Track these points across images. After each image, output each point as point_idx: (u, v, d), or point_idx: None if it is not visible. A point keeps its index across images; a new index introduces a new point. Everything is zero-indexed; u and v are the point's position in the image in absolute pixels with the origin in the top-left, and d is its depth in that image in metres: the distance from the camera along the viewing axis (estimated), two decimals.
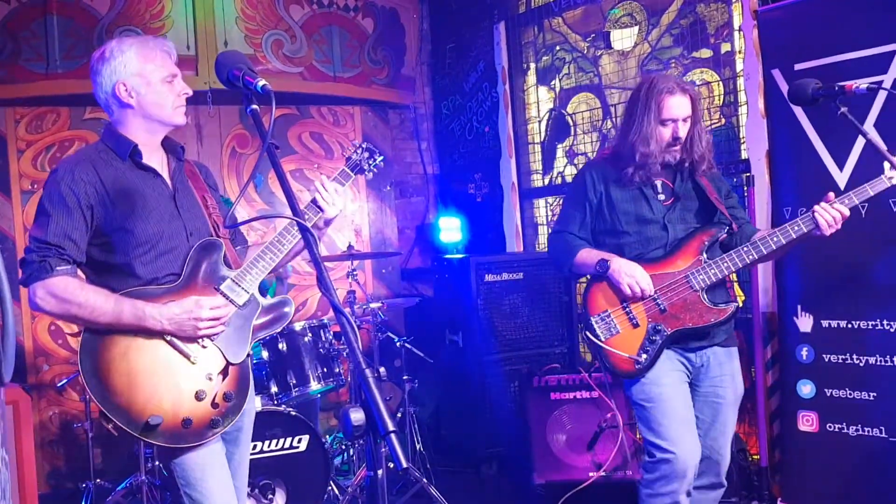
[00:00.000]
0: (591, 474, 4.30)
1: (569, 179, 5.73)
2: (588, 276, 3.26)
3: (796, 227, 2.96)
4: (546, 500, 4.33)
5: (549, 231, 3.27)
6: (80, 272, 2.46)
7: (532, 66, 5.97)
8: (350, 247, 4.87)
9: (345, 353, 4.57)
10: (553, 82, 5.85)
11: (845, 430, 3.77)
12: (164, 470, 2.54)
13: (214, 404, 2.44)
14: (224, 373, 2.48)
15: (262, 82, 1.98)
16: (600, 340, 3.08)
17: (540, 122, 5.95)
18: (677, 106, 3.04)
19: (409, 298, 5.51)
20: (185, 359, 2.43)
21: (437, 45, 6.59)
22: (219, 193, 2.85)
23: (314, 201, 2.59)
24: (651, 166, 3.08)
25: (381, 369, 4.54)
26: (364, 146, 2.88)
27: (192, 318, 2.38)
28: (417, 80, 6.54)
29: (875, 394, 3.69)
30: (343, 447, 5.01)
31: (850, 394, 3.75)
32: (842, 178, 3.76)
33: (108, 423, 2.40)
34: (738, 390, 3.18)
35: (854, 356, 3.75)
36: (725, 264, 3.03)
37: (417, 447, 4.92)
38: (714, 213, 3.18)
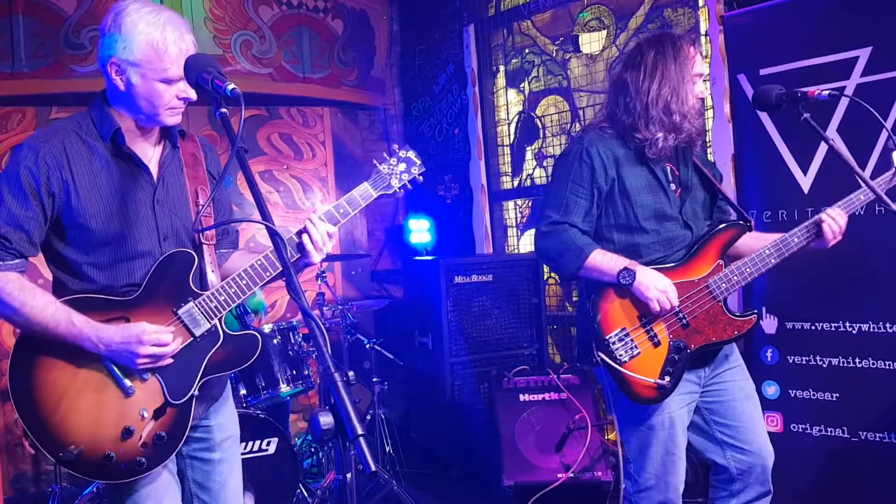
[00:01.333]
0: (559, 475, 4.32)
1: (539, 182, 5.77)
2: (575, 282, 2.83)
3: (815, 229, 2.72)
4: (515, 501, 4.34)
5: (542, 220, 2.77)
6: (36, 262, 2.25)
7: (501, 68, 6.00)
8: None
9: (314, 356, 4.55)
10: (522, 85, 5.88)
11: (809, 431, 3.83)
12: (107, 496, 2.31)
13: (143, 444, 2.17)
14: (160, 412, 2.19)
15: (231, 86, 1.90)
16: (619, 364, 2.62)
17: (509, 124, 5.97)
18: (700, 61, 2.73)
19: (379, 300, 5.51)
20: (120, 390, 2.17)
21: (406, 46, 6.59)
22: (222, 184, 2.51)
23: (299, 242, 2.25)
24: (686, 131, 2.67)
25: (350, 373, 4.50)
26: (403, 155, 2.44)
27: (130, 350, 2.12)
28: (387, 82, 6.54)
29: (838, 394, 3.76)
30: (313, 450, 5.00)
31: (814, 394, 3.81)
32: (805, 182, 3.82)
33: (27, 439, 2.21)
34: (750, 382, 2.85)
35: (818, 358, 3.81)
36: (748, 269, 2.69)
37: (387, 449, 4.92)
38: (714, 205, 2.88)
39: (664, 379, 2.62)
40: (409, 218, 6.31)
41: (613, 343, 2.63)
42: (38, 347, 2.16)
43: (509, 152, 5.99)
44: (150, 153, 2.31)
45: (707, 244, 2.72)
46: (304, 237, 2.24)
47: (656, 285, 2.59)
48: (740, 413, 2.78)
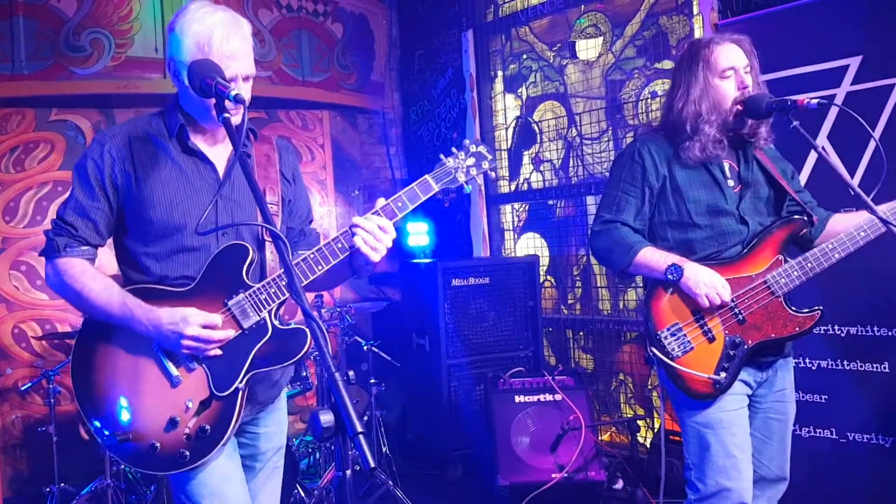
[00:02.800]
0: (553, 475, 4.37)
1: (535, 186, 5.82)
2: (640, 279, 2.82)
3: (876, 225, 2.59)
4: (510, 501, 4.38)
5: (595, 220, 2.82)
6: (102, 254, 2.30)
7: (499, 73, 6.05)
8: None
9: (312, 357, 4.60)
10: (520, 90, 5.94)
11: (798, 432, 3.88)
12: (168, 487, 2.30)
13: (186, 436, 2.17)
14: (206, 404, 2.19)
15: (234, 91, 1.96)
16: (671, 359, 2.62)
17: (507, 129, 6.03)
18: (730, 52, 2.65)
19: (377, 302, 5.55)
20: (167, 380, 2.20)
21: (406, 51, 6.65)
22: (296, 187, 2.51)
23: (351, 243, 2.21)
24: (708, 133, 2.63)
25: (350, 372, 4.56)
26: (473, 149, 2.36)
27: (175, 332, 2.13)
28: (386, 86, 6.59)
29: (826, 396, 3.82)
30: (309, 450, 5.04)
31: (803, 396, 3.86)
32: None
33: (83, 426, 2.26)
34: (793, 406, 2.81)
35: (806, 360, 3.87)
36: (809, 264, 2.62)
37: (384, 450, 4.96)
38: (783, 201, 2.80)
39: (719, 374, 2.59)
40: (406, 221, 6.36)
41: (665, 338, 2.63)
42: (97, 334, 2.25)
43: (507, 156, 6.04)
44: (218, 151, 2.33)
45: (765, 240, 2.67)
46: (358, 232, 2.20)
47: (704, 280, 2.58)
48: (772, 431, 2.76)
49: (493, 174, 2.39)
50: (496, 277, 5.31)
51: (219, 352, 2.19)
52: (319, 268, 2.23)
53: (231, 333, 2.20)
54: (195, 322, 2.13)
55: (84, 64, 5.09)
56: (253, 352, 2.22)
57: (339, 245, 2.23)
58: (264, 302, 2.21)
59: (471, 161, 2.35)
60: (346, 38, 6.18)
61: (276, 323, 2.25)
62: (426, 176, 2.33)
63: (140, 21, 5.22)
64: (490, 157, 2.39)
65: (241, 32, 2.21)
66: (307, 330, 2.22)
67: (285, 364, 2.28)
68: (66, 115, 5.38)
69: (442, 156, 2.35)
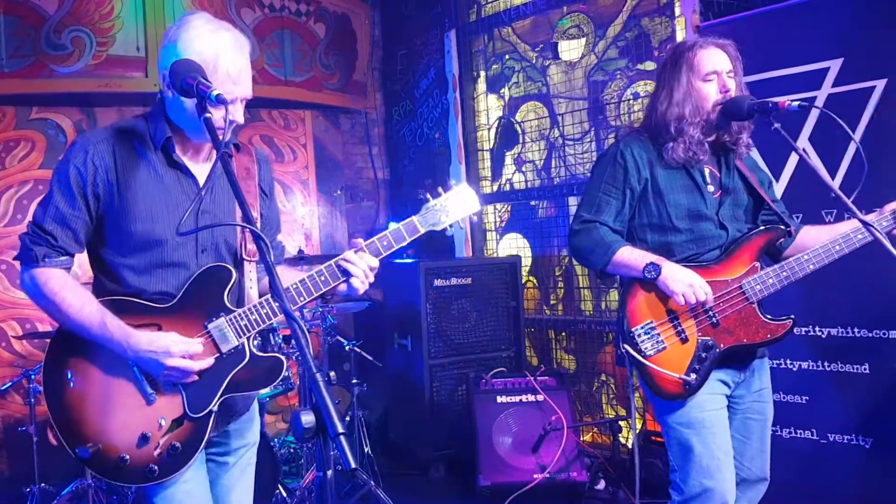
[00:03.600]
0: (535, 476, 4.39)
1: (518, 186, 5.83)
2: (618, 278, 2.84)
3: (860, 237, 2.62)
4: (492, 501, 4.39)
5: (574, 219, 2.82)
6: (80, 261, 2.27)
7: (482, 73, 6.06)
8: (300, 251, 4.89)
9: (294, 357, 4.58)
10: (502, 90, 5.95)
11: (779, 433, 3.90)
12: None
13: (157, 452, 2.18)
14: (178, 422, 2.19)
15: (216, 91, 1.95)
16: (644, 357, 2.62)
17: (489, 129, 6.03)
18: (714, 56, 2.67)
19: (359, 302, 5.53)
20: (142, 396, 2.19)
21: (388, 51, 6.64)
22: (271, 200, 2.53)
23: (340, 268, 2.27)
24: (692, 135, 2.64)
25: (332, 373, 4.53)
26: (457, 190, 2.37)
27: (157, 360, 2.12)
28: (369, 86, 6.58)
29: (807, 397, 3.85)
30: (291, 450, 5.02)
31: (784, 397, 3.89)
32: (778, 189, 3.89)
33: (51, 430, 2.25)
34: (771, 406, 2.83)
35: (787, 361, 3.90)
36: (784, 273, 2.64)
37: (366, 450, 4.95)
38: (760, 211, 2.83)
39: (690, 375, 2.60)
40: (389, 221, 6.35)
41: (639, 335, 2.63)
42: (73, 344, 2.22)
43: (489, 157, 6.05)
44: (202, 167, 2.31)
45: (743, 246, 2.69)
46: (352, 270, 2.25)
47: (682, 279, 2.57)
48: (751, 431, 2.77)
49: (475, 218, 2.43)
50: (478, 278, 5.31)
51: (196, 378, 2.19)
52: (301, 299, 2.26)
53: (210, 361, 2.20)
54: (177, 353, 2.13)
55: (65, 62, 5.05)
56: (229, 377, 2.23)
57: (323, 278, 2.26)
58: (244, 328, 2.23)
59: (455, 203, 2.37)
60: (328, 37, 6.17)
61: (254, 349, 2.27)
62: (413, 218, 2.35)
63: (122, 19, 5.19)
64: (475, 199, 2.40)
65: (245, 54, 2.20)
66: (283, 359, 2.30)
67: (259, 390, 2.31)
68: (47, 114, 5.34)
69: (428, 195, 2.36)
